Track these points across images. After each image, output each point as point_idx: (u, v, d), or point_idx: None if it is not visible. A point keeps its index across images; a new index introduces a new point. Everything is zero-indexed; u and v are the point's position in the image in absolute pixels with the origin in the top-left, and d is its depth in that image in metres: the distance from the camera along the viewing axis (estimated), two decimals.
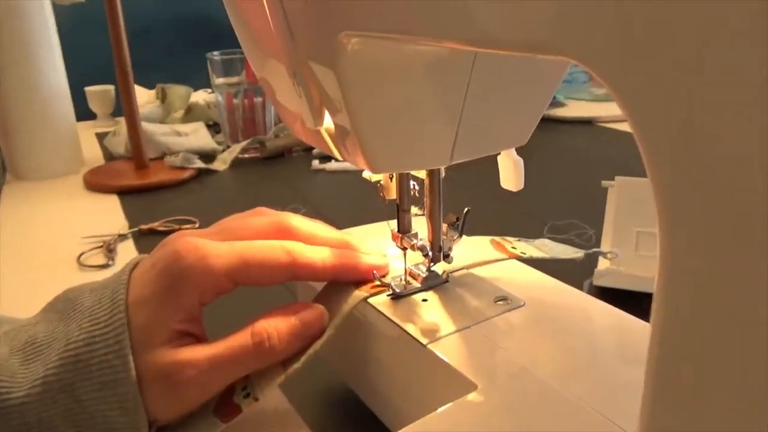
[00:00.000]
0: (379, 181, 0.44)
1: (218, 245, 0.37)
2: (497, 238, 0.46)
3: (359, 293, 0.40)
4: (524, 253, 0.44)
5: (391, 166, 0.34)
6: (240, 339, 0.33)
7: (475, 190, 0.84)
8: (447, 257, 0.42)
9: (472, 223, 0.44)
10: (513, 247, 0.45)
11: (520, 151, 0.41)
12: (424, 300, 0.39)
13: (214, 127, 1.34)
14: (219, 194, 0.98)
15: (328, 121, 0.33)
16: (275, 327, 0.34)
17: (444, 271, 0.43)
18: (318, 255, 0.39)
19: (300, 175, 1.08)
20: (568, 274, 0.47)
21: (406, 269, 0.43)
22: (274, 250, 0.37)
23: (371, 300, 0.39)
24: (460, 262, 0.44)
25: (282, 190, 0.99)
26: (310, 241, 0.40)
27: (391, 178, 0.43)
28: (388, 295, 0.39)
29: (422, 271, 0.42)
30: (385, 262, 0.42)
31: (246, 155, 1.21)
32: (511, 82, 0.33)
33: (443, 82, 0.31)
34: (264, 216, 0.41)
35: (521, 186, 0.42)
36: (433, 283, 0.41)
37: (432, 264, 0.42)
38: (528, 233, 0.59)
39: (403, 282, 0.42)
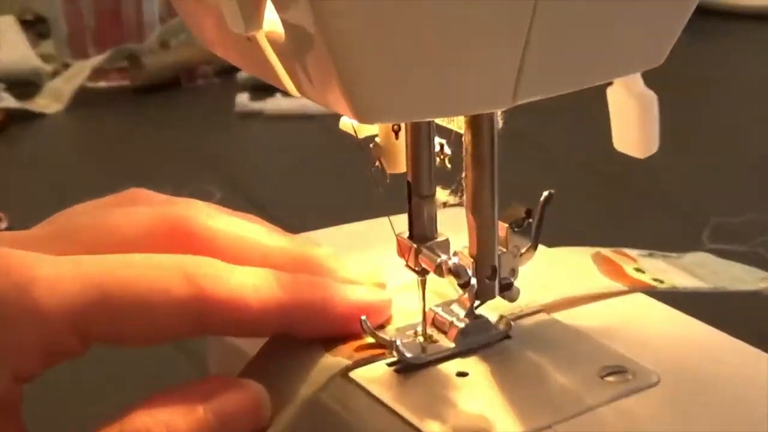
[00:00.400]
0: (373, 138, 0.44)
1: (55, 263, 0.37)
2: (607, 252, 0.47)
3: (334, 360, 0.41)
4: (661, 282, 0.45)
5: (398, 110, 0.36)
6: None
7: (556, 159, 0.88)
8: (508, 288, 0.43)
9: (554, 223, 0.44)
10: (638, 269, 0.46)
11: (649, 78, 0.41)
12: (462, 374, 0.41)
13: (36, 27, 1.35)
14: (48, 162, 1.00)
15: (272, 22, 0.36)
16: (166, 425, 0.36)
17: (501, 316, 0.44)
18: (249, 282, 0.39)
19: (212, 123, 1.11)
20: (744, 317, 0.48)
21: (425, 313, 0.43)
22: (162, 274, 0.38)
23: (357, 374, 0.41)
24: (533, 296, 0.45)
25: (176, 153, 1.01)
26: (234, 254, 0.41)
27: (396, 132, 0.43)
28: (390, 365, 0.42)
29: (457, 317, 0.43)
30: (382, 299, 0.43)
31: (103, 83, 1.22)
32: None
33: None
34: (143, 206, 0.42)
35: (653, 147, 0.42)
36: (479, 339, 0.43)
37: (477, 302, 0.43)
38: (667, 241, 0.59)
39: (420, 338, 0.43)
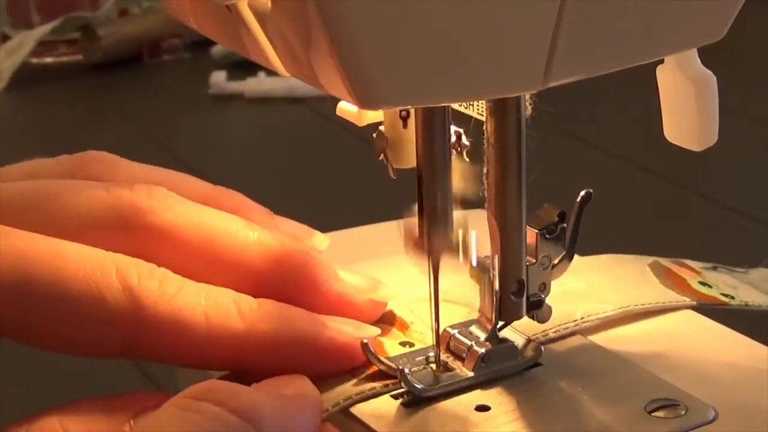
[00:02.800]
0: (376, 126, 0.44)
1: None
2: (666, 262, 0.47)
3: (332, 393, 0.41)
4: (732, 297, 0.45)
5: (407, 92, 0.36)
6: None
7: (595, 152, 0.88)
8: (537, 307, 0.43)
9: (592, 228, 0.44)
10: (703, 283, 0.46)
11: (706, 54, 0.41)
12: (482, 408, 0.41)
13: None
14: None
15: None
16: None
17: (529, 340, 0.44)
18: (198, 304, 0.39)
19: (181, 106, 1.12)
20: None
21: (438, 334, 0.43)
22: (98, 276, 0.38)
23: (359, 408, 0.41)
24: (567, 310, 0.45)
25: (139, 142, 1.01)
26: (197, 254, 0.41)
27: (404, 120, 0.44)
28: (397, 398, 0.42)
29: (477, 340, 0.43)
30: (369, 336, 0.42)
31: (50, 59, 1.24)
32: None
33: None
34: (100, 183, 0.42)
35: (712, 138, 0.42)
36: (503, 367, 0.43)
37: (500, 324, 0.43)
38: (729, 249, 0.59)
39: (432, 365, 0.43)
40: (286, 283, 0.42)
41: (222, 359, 0.40)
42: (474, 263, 0.42)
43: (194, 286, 0.40)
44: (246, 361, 0.40)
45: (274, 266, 0.42)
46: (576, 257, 0.44)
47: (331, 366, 0.41)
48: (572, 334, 0.45)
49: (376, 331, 0.43)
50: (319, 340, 0.41)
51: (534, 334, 0.44)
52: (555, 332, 0.44)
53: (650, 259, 0.48)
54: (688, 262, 0.47)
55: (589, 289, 0.46)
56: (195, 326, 0.39)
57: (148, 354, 0.39)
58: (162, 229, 0.41)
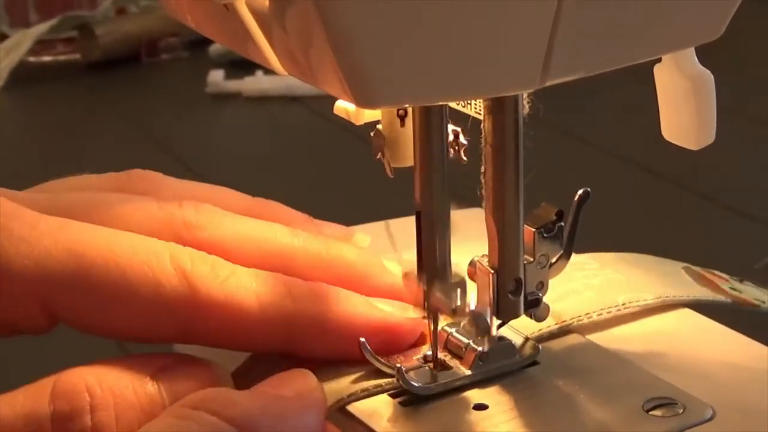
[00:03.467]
0: (374, 125, 0.44)
1: (32, 219, 0.38)
2: (698, 269, 0.48)
3: (329, 390, 0.41)
4: (763, 302, 0.46)
5: (405, 91, 0.36)
6: (31, 400, 0.36)
7: (593, 150, 0.88)
8: (535, 305, 0.43)
9: (590, 227, 0.44)
10: (734, 289, 0.47)
11: (704, 54, 0.41)
12: (480, 407, 0.41)
13: None
14: None
15: None
16: (111, 392, 0.37)
17: (527, 338, 0.44)
18: (250, 286, 0.40)
19: (179, 105, 1.12)
20: None
21: (436, 334, 0.43)
22: (153, 261, 0.39)
23: (356, 407, 0.41)
24: (610, 297, 0.45)
25: (136, 141, 1.02)
26: (246, 262, 0.41)
27: (402, 119, 0.44)
28: (394, 396, 0.42)
29: (475, 338, 0.43)
30: (408, 319, 0.43)
31: (48, 57, 1.25)
32: None
33: None
34: (149, 198, 0.43)
35: (709, 137, 0.42)
36: (501, 365, 0.43)
37: (498, 322, 0.43)
38: (734, 250, 0.59)
39: (429, 363, 0.43)
40: (335, 283, 0.43)
41: (274, 341, 0.41)
42: (471, 313, 0.43)
43: (245, 271, 0.40)
44: (298, 344, 0.41)
45: (321, 269, 0.43)
46: (611, 253, 0.44)
47: (382, 347, 0.42)
48: (568, 332, 0.45)
49: (419, 313, 0.43)
50: (370, 320, 0.42)
51: (571, 318, 0.44)
52: (598, 315, 0.45)
53: (683, 264, 0.48)
54: (717, 272, 0.48)
55: (629, 281, 0.46)
56: (247, 307, 0.40)
57: (202, 337, 0.40)
58: (212, 243, 0.42)
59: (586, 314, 0.44)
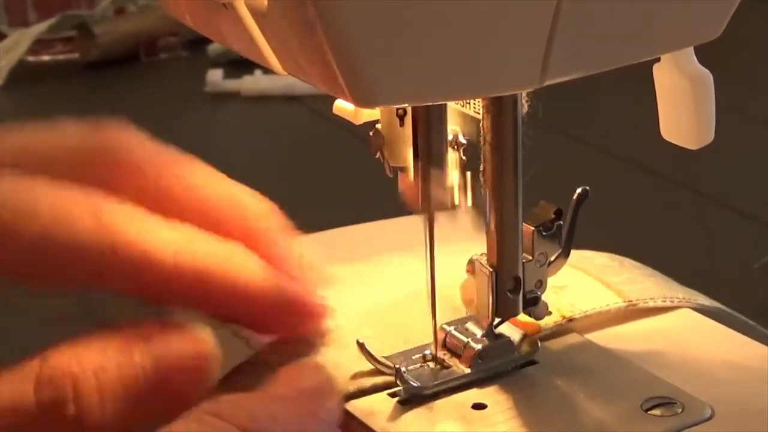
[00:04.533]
0: (373, 125, 0.44)
1: None
2: None
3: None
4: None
5: (405, 90, 0.36)
6: (16, 388, 0.36)
7: (591, 150, 0.88)
8: (533, 304, 0.43)
9: (589, 225, 0.44)
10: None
11: (704, 54, 0.41)
12: (479, 406, 0.41)
13: None
14: None
15: None
16: (94, 373, 0.37)
17: (525, 335, 0.44)
18: (166, 237, 0.39)
19: (178, 105, 1.12)
20: None
21: (435, 332, 0.43)
22: (68, 204, 0.38)
23: (354, 405, 0.41)
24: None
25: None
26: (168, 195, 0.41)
27: (401, 118, 0.43)
28: (393, 395, 0.42)
29: (474, 337, 0.43)
30: (321, 301, 0.41)
31: (47, 57, 1.25)
32: None
33: None
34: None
35: (708, 137, 0.42)
36: (500, 363, 0.43)
37: (497, 320, 0.43)
38: (730, 248, 0.59)
39: (429, 362, 0.43)
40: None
41: (182, 294, 0.40)
42: (470, 203, 0.42)
43: (159, 221, 0.40)
44: (209, 303, 0.40)
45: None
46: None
47: (293, 321, 0.41)
48: (570, 330, 0.45)
49: (328, 303, 0.42)
50: (270, 290, 0.41)
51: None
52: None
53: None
54: None
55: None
56: (162, 256, 0.39)
57: (115, 282, 0.39)
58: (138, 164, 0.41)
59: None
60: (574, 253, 0.44)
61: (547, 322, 0.44)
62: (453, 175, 0.43)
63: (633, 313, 0.46)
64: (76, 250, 0.38)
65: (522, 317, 0.44)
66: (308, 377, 0.39)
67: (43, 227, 0.38)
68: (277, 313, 0.41)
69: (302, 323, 0.41)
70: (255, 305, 0.40)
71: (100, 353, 0.37)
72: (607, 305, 0.46)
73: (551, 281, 0.44)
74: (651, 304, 0.46)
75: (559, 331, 0.45)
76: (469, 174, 0.43)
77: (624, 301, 0.46)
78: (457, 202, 0.43)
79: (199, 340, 0.39)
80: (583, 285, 0.47)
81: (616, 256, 0.51)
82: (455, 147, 0.43)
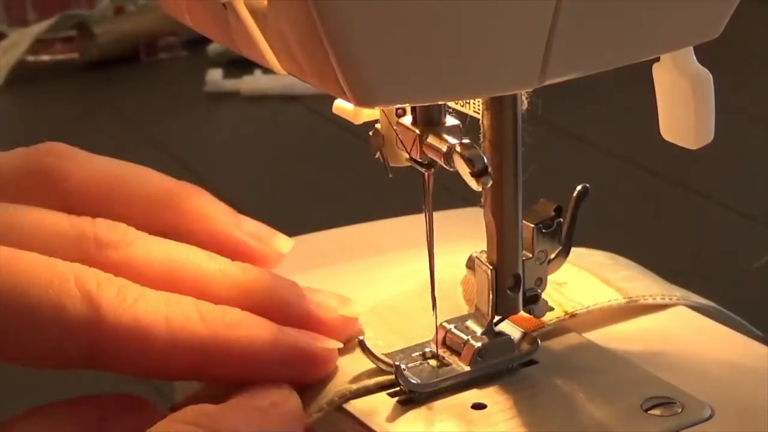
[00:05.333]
0: (373, 124, 0.44)
1: None
2: None
3: (325, 389, 0.41)
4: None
5: (404, 90, 0.36)
6: None
7: (591, 148, 0.88)
8: (533, 301, 0.43)
9: (588, 223, 0.44)
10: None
11: (705, 53, 0.41)
12: (478, 406, 0.41)
13: None
14: None
15: None
16: None
17: (526, 333, 0.44)
18: (159, 310, 0.39)
19: (177, 104, 1.12)
20: None
21: (436, 330, 0.43)
22: (56, 283, 0.37)
23: (354, 405, 0.41)
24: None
25: (134, 141, 1.01)
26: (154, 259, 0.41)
27: (399, 117, 0.43)
28: (392, 395, 0.42)
29: (474, 334, 0.43)
30: (326, 347, 0.41)
31: (47, 56, 1.24)
32: None
33: None
34: (59, 211, 0.41)
35: (708, 136, 0.42)
36: (500, 362, 0.43)
37: (496, 318, 0.43)
38: (729, 247, 0.59)
39: (429, 361, 0.43)
40: (252, 309, 0.41)
41: (185, 368, 0.39)
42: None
43: (154, 294, 0.39)
44: (210, 370, 0.40)
45: (238, 294, 0.41)
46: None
47: (298, 374, 0.41)
48: (568, 331, 0.45)
49: (338, 344, 0.42)
50: (283, 346, 0.40)
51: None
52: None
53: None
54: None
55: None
56: (156, 332, 0.38)
57: (110, 364, 0.39)
58: (123, 264, 0.40)
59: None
60: (573, 250, 0.44)
61: (550, 317, 0.44)
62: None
63: (632, 310, 0.46)
64: (66, 333, 0.37)
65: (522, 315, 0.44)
66: (272, 393, 0.39)
67: (28, 306, 0.37)
68: (285, 368, 0.40)
69: (310, 373, 0.41)
70: (260, 364, 0.40)
71: (57, 427, 0.37)
72: (609, 301, 0.45)
73: (551, 278, 0.44)
74: (650, 300, 0.46)
75: (558, 330, 0.45)
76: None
77: (624, 298, 0.46)
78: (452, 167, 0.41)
79: (159, 419, 0.38)
80: (583, 282, 0.47)
81: (611, 254, 0.51)
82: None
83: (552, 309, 0.44)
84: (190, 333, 0.39)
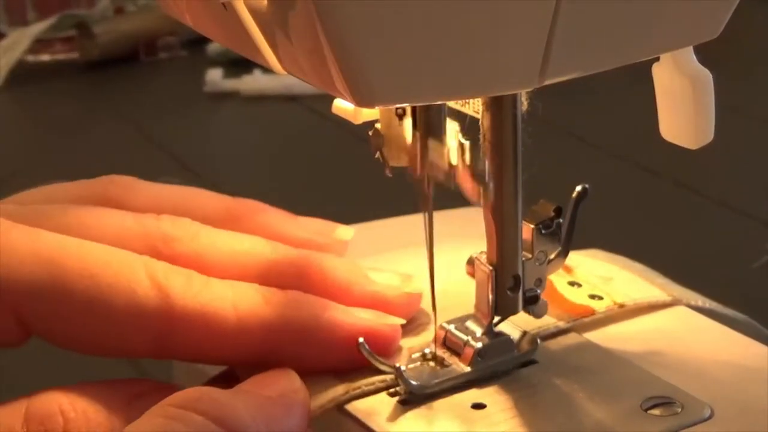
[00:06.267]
0: (372, 124, 0.44)
1: (5, 228, 0.38)
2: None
3: (325, 389, 0.41)
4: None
5: (404, 90, 0.36)
6: (3, 422, 0.36)
7: (591, 148, 0.88)
8: (533, 302, 0.43)
9: (588, 223, 0.44)
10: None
11: (705, 53, 0.41)
12: (478, 406, 0.41)
13: None
14: None
15: None
16: (84, 414, 0.37)
17: (525, 332, 0.44)
18: (227, 296, 0.40)
19: (177, 104, 1.12)
20: None
21: (436, 331, 0.43)
22: (126, 270, 0.38)
23: (354, 406, 0.41)
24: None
25: (134, 141, 1.01)
26: (225, 272, 0.41)
27: (400, 117, 0.43)
28: (393, 395, 0.42)
29: (474, 335, 0.43)
30: (388, 324, 0.43)
31: (46, 56, 1.24)
32: None
33: None
34: (123, 208, 0.43)
35: (708, 136, 0.42)
36: (500, 362, 0.43)
37: (497, 318, 0.43)
38: (725, 247, 0.59)
39: (429, 361, 0.43)
40: (316, 293, 0.42)
41: (253, 351, 0.40)
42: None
43: (220, 282, 0.40)
44: (277, 353, 0.40)
45: (300, 279, 0.42)
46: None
47: (350, 352, 0.41)
48: (569, 330, 0.45)
49: (400, 320, 0.43)
50: (352, 327, 0.41)
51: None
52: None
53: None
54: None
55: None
56: (224, 318, 0.39)
57: (179, 351, 0.40)
58: (190, 256, 0.41)
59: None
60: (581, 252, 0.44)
61: (599, 306, 0.45)
62: (451, 142, 0.42)
63: (632, 310, 0.46)
64: (135, 323, 0.38)
65: (572, 302, 0.45)
66: (281, 382, 0.39)
67: (99, 290, 0.38)
68: (353, 348, 0.41)
69: (379, 352, 0.42)
70: (330, 344, 0.41)
71: (92, 399, 0.37)
72: (655, 297, 0.46)
73: (598, 273, 0.45)
74: (693, 303, 0.47)
75: (558, 331, 0.45)
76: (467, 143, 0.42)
77: (668, 296, 0.47)
78: (454, 161, 0.42)
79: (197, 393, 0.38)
80: (628, 279, 0.48)
81: (611, 255, 0.51)
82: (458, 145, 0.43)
83: (601, 298, 0.45)
84: (258, 317, 0.40)
